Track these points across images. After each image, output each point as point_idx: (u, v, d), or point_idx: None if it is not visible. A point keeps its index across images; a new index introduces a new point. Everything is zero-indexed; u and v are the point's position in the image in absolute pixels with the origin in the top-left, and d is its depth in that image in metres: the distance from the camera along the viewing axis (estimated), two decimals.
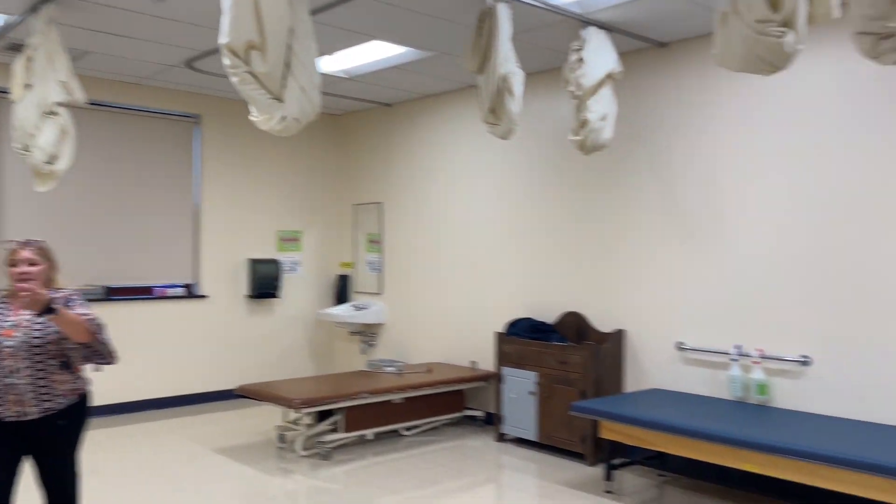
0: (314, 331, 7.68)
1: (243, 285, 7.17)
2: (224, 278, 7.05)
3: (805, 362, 4.29)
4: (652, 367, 5.05)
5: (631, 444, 4.22)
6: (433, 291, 6.71)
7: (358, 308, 7.27)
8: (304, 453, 5.15)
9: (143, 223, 6.61)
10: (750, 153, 4.56)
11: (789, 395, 4.35)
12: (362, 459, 5.13)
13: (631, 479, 4.72)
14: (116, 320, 6.08)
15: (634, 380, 5.16)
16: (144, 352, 6.55)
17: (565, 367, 5.16)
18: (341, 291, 7.67)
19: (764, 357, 4.45)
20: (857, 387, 4.07)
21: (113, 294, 6.42)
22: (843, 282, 4.13)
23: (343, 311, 7.19)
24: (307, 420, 5.36)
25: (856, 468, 3.29)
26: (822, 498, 3.80)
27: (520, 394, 5.47)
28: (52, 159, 4.09)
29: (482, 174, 6.32)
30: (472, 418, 6.31)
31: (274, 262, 7.23)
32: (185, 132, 6.87)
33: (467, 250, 6.42)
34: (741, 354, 4.54)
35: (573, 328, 5.53)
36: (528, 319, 5.64)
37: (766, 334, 4.46)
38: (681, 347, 4.86)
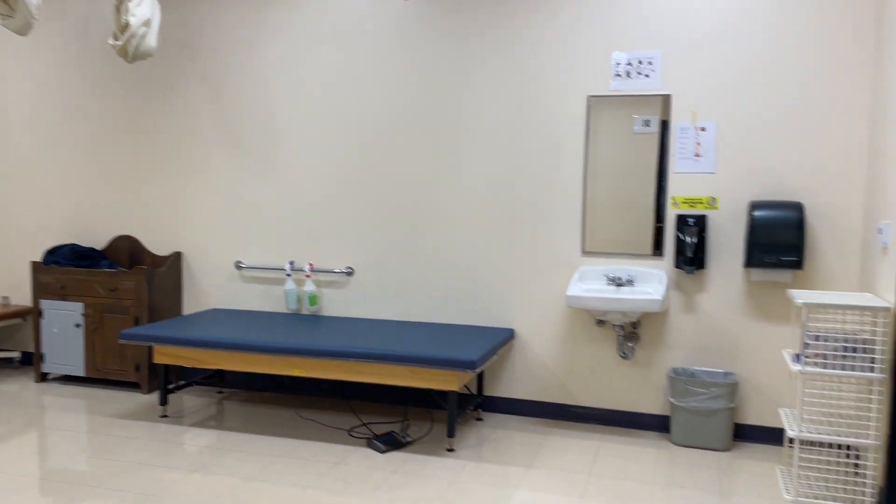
0: None
1: None
2: None
3: (349, 273, 4.70)
4: (211, 287, 5.00)
5: (187, 365, 4.14)
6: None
7: None
8: None
9: None
10: (300, 72, 4.71)
11: (337, 303, 4.74)
12: None
13: (190, 400, 4.66)
14: None
15: (194, 302, 5.05)
16: None
17: (116, 294, 4.80)
18: None
19: (315, 270, 4.74)
20: (391, 292, 4.61)
21: None
22: (381, 200, 4.59)
23: None
24: None
25: (384, 360, 3.75)
26: (365, 391, 4.25)
27: (63, 328, 4.93)
28: None
29: (13, 77, 5.37)
30: (8, 360, 5.52)
31: None
32: None
33: (14, 162, 5.46)
34: (294, 270, 4.77)
35: (126, 253, 5.15)
36: (73, 245, 5.07)
37: (317, 250, 4.75)
38: (239, 266, 4.90)
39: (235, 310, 4.90)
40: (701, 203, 4.05)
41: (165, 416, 4.32)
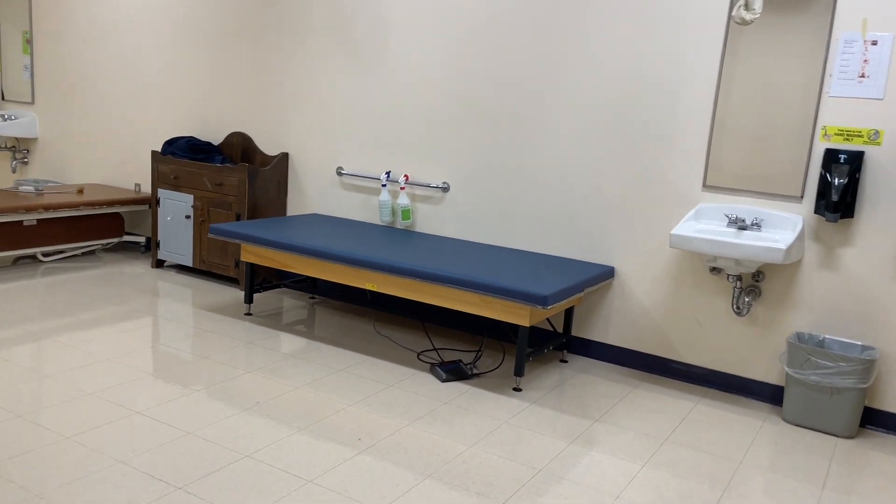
0: None
1: None
2: None
3: (445, 189, 4.38)
4: (314, 191, 4.89)
5: (267, 265, 4.08)
6: (93, 105, 5.88)
7: (5, 119, 6.21)
8: None
9: None
10: None
11: (430, 220, 4.46)
12: None
13: (282, 301, 4.66)
14: None
15: (297, 205, 4.99)
16: None
17: (221, 189, 4.83)
18: None
19: (410, 183, 4.47)
20: (486, 213, 4.25)
21: None
22: (483, 109, 4.18)
23: None
24: None
25: (453, 284, 3.43)
26: (446, 316, 3.99)
27: (176, 218, 5.07)
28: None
29: None
30: (136, 244, 5.84)
31: None
32: None
33: (130, 59, 5.63)
34: (390, 181, 4.53)
35: (239, 149, 5.16)
36: (190, 138, 5.15)
37: (415, 161, 4.46)
38: (340, 172, 4.74)
39: (333, 217, 4.77)
40: (859, 136, 3.27)
41: (249, 315, 4.33)
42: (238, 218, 4.78)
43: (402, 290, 3.66)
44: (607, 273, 3.82)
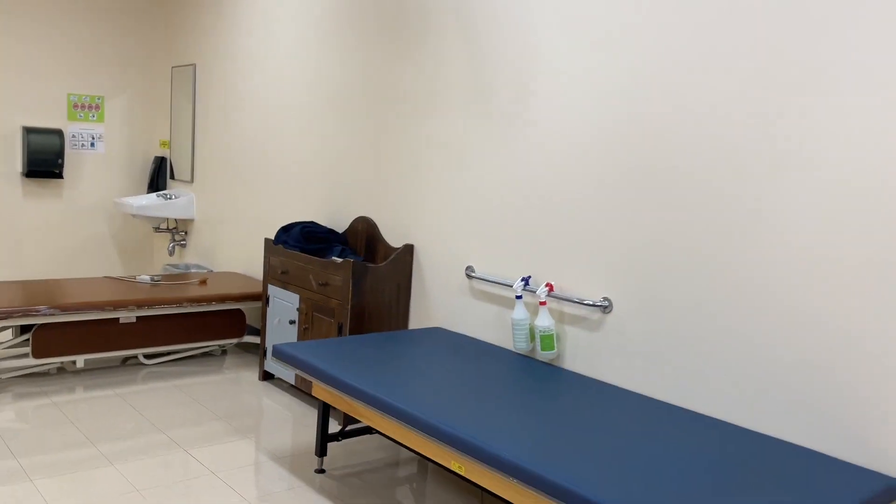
0: (122, 223, 6.28)
1: (17, 160, 5.72)
2: None
3: (605, 308, 2.86)
4: (440, 297, 3.64)
5: (343, 410, 2.86)
6: (244, 184, 5.25)
7: (166, 198, 5.84)
8: None
9: None
10: (573, 17, 2.98)
11: (582, 353, 2.95)
12: (66, 393, 3.83)
13: (374, 451, 3.40)
14: None
15: (421, 314, 3.76)
16: None
17: (326, 290, 3.76)
18: (155, 177, 6.22)
19: (554, 296, 3.02)
20: (669, 354, 2.65)
21: None
22: (665, 198, 2.65)
23: (145, 200, 5.76)
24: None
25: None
26: None
27: (283, 321, 4.10)
28: None
29: (298, 45, 4.73)
30: (258, 347, 5.01)
31: (55, 133, 5.74)
32: None
33: (267, 138, 4.92)
34: (528, 290, 3.11)
35: (363, 238, 4.09)
36: (306, 224, 4.20)
37: (563, 265, 3.02)
38: (469, 274, 3.43)
39: (459, 334, 3.45)
40: None
41: (321, 472, 3.12)
42: (340, 330, 3.66)
43: (501, 489, 2.21)
44: (891, 488, 2.03)
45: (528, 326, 3.07)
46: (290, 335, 4.03)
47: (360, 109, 4.10)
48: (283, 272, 4.08)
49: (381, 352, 3.06)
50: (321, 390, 2.98)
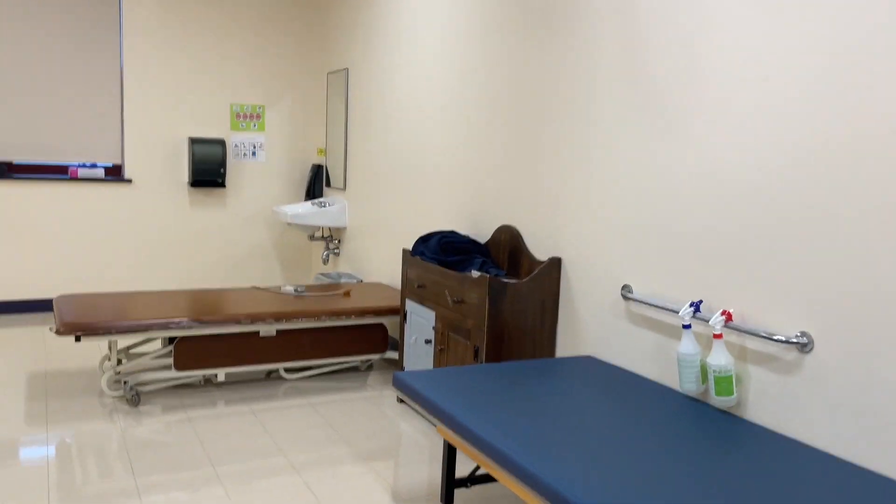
0: (281, 231, 6.30)
1: (184, 170, 5.88)
2: (157, 160, 5.79)
3: (803, 345, 2.18)
4: (592, 320, 3.09)
5: (470, 457, 2.42)
6: (390, 191, 5.00)
7: (320, 206, 5.75)
8: (112, 394, 3.84)
9: (58, 89, 5.45)
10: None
11: (770, 400, 2.28)
12: (204, 408, 3.74)
13: (495, 492, 2.92)
14: (12, 201, 5.13)
15: (570, 338, 3.23)
16: (51, 243, 5.53)
17: (461, 308, 3.34)
18: (313, 184, 6.17)
19: (733, 328, 2.37)
20: (882, 405, 1.94)
21: (16, 171, 5.41)
22: (879, 214, 1.94)
23: (300, 208, 5.70)
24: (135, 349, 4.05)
25: None
26: None
27: (419, 340, 3.75)
28: None
29: (443, 36, 4.40)
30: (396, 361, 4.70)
31: (218, 143, 5.83)
32: None
33: (421, 138, 4.61)
34: (698, 318, 2.48)
35: (506, 250, 3.64)
36: (446, 234, 3.81)
37: (742, 286, 2.36)
38: (626, 295, 2.86)
39: (612, 366, 2.89)
40: None
41: None
42: (476, 355, 3.22)
43: None
44: None
45: (698, 363, 2.45)
46: (426, 356, 3.66)
47: (507, 111, 3.65)
48: (419, 286, 3.72)
49: (520, 387, 2.58)
50: (446, 432, 2.56)
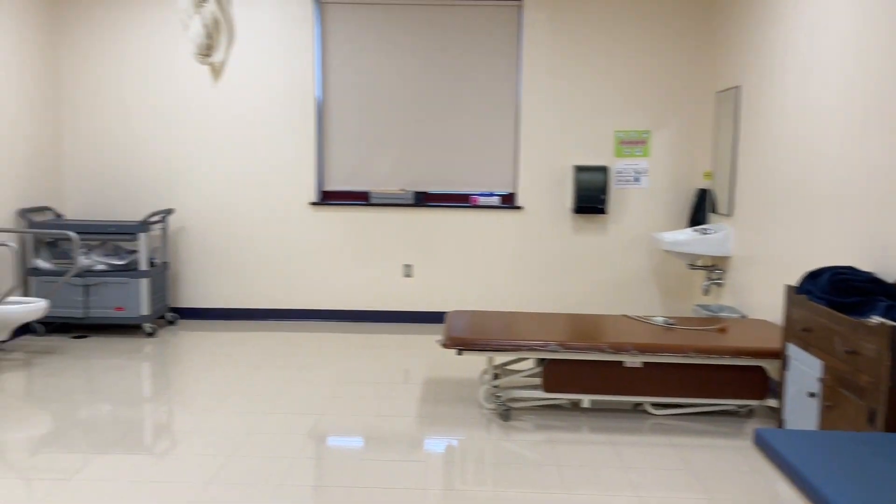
0: (661, 259, 6.12)
1: (568, 197, 6.11)
2: (545, 188, 6.12)
3: None
4: None
5: None
6: (778, 217, 4.51)
7: (703, 233, 5.46)
8: (487, 406, 4.12)
9: (462, 125, 6.16)
10: None
11: None
12: (567, 432, 3.83)
13: None
14: (425, 226, 5.97)
15: None
16: (450, 264, 6.22)
17: (854, 360, 2.82)
18: (696, 210, 5.88)
19: None
20: None
21: (428, 200, 6.24)
22: None
23: (680, 235, 5.49)
24: (513, 367, 4.28)
25: None
26: None
27: (800, 391, 3.27)
28: (206, 50, 4.00)
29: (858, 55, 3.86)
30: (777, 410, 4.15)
31: (601, 171, 5.92)
32: (509, 20, 6.05)
33: (814, 154, 4.07)
34: None
35: None
36: (842, 270, 3.26)
37: None
38: None
39: None
40: None
41: None
42: (871, 419, 2.68)
43: None
44: None
45: None
46: (808, 410, 3.18)
47: None
48: (804, 329, 3.24)
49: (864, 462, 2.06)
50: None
